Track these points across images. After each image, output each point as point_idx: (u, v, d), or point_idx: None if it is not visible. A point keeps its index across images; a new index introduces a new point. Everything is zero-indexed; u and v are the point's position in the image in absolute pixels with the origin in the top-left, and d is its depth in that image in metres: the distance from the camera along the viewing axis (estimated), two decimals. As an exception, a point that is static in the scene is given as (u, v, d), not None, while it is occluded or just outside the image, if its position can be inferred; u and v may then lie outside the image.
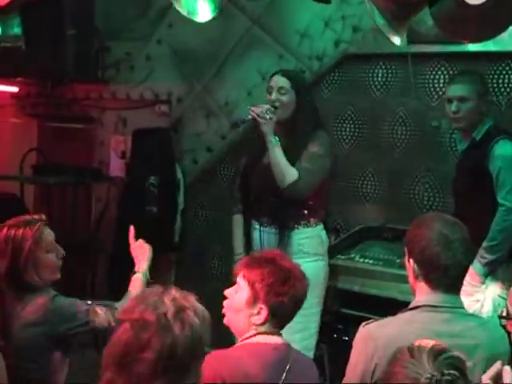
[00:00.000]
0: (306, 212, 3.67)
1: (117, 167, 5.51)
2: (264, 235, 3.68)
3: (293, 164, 3.56)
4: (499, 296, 3.47)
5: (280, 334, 2.41)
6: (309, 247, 3.63)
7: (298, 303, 2.40)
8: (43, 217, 2.97)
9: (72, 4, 4.99)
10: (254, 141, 3.82)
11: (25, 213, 3.11)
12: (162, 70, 5.35)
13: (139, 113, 5.44)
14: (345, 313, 3.85)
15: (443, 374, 1.48)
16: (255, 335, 2.37)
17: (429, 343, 1.62)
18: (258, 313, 2.35)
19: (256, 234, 3.73)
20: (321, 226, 3.73)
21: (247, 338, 2.38)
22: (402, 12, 2.52)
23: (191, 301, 1.70)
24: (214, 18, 3.48)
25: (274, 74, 3.72)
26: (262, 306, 2.34)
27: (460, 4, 2.31)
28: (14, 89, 5.79)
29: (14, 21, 4.99)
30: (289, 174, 3.52)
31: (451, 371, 1.49)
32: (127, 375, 1.60)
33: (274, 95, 3.61)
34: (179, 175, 5.20)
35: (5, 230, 2.86)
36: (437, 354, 1.55)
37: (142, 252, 3.06)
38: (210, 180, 5.24)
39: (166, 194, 5.10)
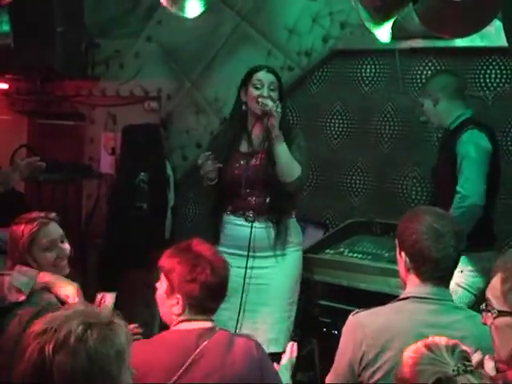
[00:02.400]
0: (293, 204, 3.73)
1: (107, 164, 5.51)
2: (253, 230, 3.61)
3: None
4: (456, 284, 3.45)
5: (207, 319, 2.36)
6: (293, 237, 3.68)
7: (213, 289, 2.34)
8: (52, 214, 2.92)
9: (61, 1, 4.98)
10: (224, 136, 3.83)
11: (24, 207, 3.02)
12: (151, 66, 5.35)
13: (129, 109, 5.43)
14: (333, 307, 3.85)
15: (465, 365, 1.54)
16: (178, 323, 2.35)
17: (440, 340, 1.65)
18: (177, 303, 2.34)
19: (240, 230, 3.65)
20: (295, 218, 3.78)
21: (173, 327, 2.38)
22: (386, 7, 2.54)
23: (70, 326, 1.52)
24: (202, 14, 3.49)
25: (256, 70, 3.70)
26: (179, 296, 2.33)
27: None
28: (4, 86, 5.77)
29: (3, 18, 4.98)
30: (295, 168, 3.55)
31: (469, 363, 1.56)
32: None
33: (265, 91, 3.61)
34: (169, 171, 5.19)
35: (13, 226, 2.84)
36: (452, 348, 1.60)
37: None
38: (199, 176, 5.23)
39: (156, 190, 5.09)
